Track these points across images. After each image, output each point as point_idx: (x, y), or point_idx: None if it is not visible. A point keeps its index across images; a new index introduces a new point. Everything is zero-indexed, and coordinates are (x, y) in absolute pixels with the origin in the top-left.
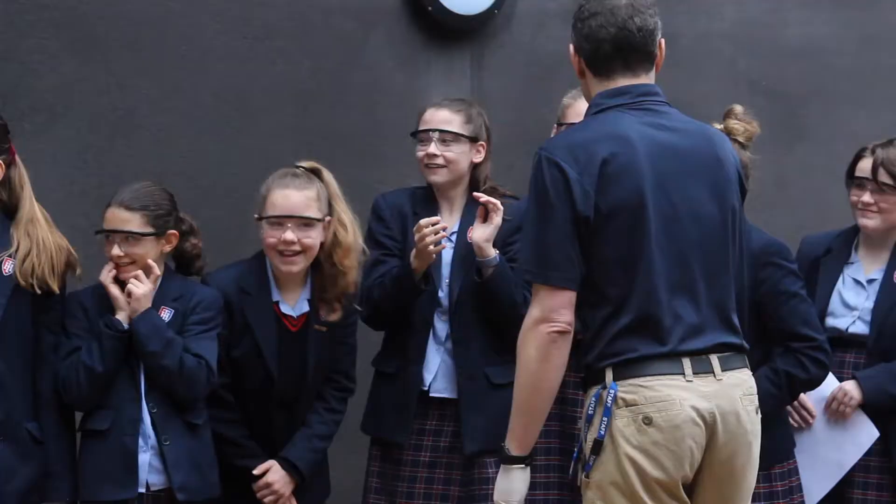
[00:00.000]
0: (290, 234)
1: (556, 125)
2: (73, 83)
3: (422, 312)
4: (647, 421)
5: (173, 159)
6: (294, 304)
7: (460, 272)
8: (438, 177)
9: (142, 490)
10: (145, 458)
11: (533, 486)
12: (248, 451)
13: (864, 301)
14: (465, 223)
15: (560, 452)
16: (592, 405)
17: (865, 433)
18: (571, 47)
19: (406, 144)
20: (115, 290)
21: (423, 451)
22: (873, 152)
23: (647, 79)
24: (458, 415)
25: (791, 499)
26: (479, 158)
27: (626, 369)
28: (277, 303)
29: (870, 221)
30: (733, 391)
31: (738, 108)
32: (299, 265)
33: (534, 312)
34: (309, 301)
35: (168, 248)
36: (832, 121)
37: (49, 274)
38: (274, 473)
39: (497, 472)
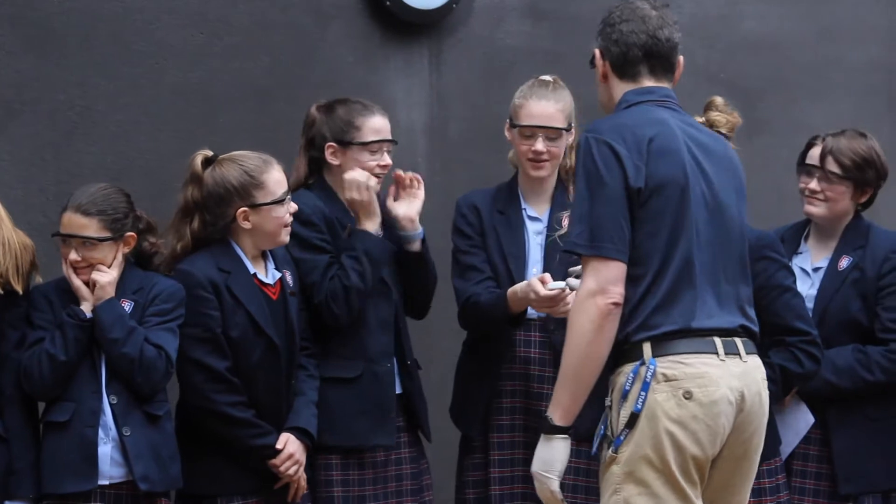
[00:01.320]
0: (289, 210)
1: (508, 124)
2: (30, 80)
3: (380, 314)
4: (688, 395)
5: (131, 156)
6: (267, 274)
7: (408, 277)
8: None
9: (104, 482)
10: (106, 450)
11: (500, 480)
12: (262, 430)
13: (808, 289)
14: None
15: (525, 446)
16: (630, 380)
17: (803, 421)
18: (597, 52)
19: None
20: (77, 281)
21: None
22: (824, 140)
23: (669, 86)
24: (407, 407)
25: (778, 496)
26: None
27: (664, 345)
28: (255, 275)
29: (815, 209)
30: (756, 373)
31: (719, 100)
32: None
33: (589, 284)
34: (276, 269)
35: (126, 250)
36: (790, 113)
37: (13, 275)
38: (292, 444)
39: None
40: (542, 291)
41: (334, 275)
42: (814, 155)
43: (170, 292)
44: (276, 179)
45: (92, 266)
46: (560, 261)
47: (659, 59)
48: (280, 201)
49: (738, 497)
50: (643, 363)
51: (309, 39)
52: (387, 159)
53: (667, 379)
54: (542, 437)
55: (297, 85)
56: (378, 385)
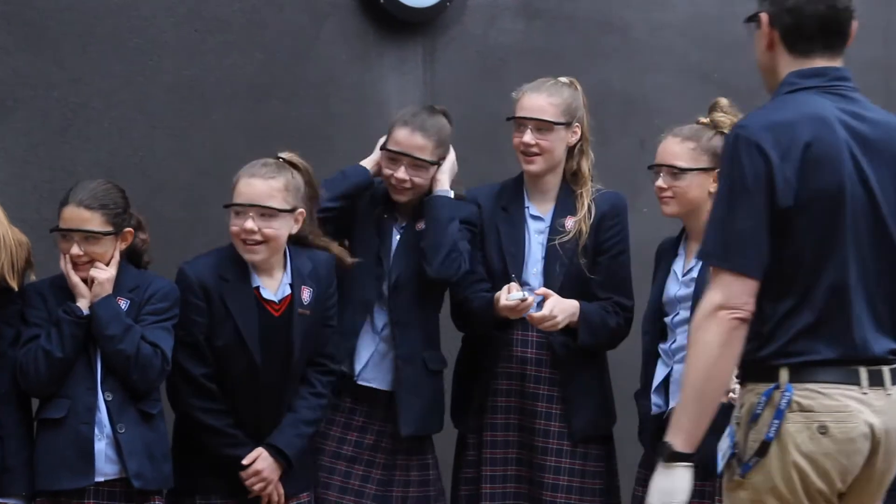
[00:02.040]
0: (250, 224)
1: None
2: (25, 77)
3: (364, 296)
4: (823, 430)
5: (125, 153)
6: (276, 290)
7: (403, 258)
8: (535, 165)
9: (99, 479)
10: (101, 446)
11: (492, 479)
12: (233, 440)
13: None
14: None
15: (519, 446)
16: (761, 404)
17: None
18: (765, 17)
19: (360, 136)
20: (76, 277)
21: (346, 445)
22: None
23: (841, 62)
24: (386, 408)
25: None
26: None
27: (804, 372)
28: (258, 288)
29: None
30: None
31: (724, 101)
32: (261, 255)
33: (714, 298)
34: (290, 285)
35: (124, 246)
36: None
37: (9, 271)
38: (262, 461)
39: (419, 476)
40: (501, 301)
41: None
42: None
43: (165, 292)
44: (242, 185)
45: (91, 262)
46: (560, 265)
47: (836, 31)
48: (231, 207)
49: None
50: (777, 387)
51: (303, 37)
52: (400, 172)
53: (802, 409)
54: (661, 465)
55: (292, 82)
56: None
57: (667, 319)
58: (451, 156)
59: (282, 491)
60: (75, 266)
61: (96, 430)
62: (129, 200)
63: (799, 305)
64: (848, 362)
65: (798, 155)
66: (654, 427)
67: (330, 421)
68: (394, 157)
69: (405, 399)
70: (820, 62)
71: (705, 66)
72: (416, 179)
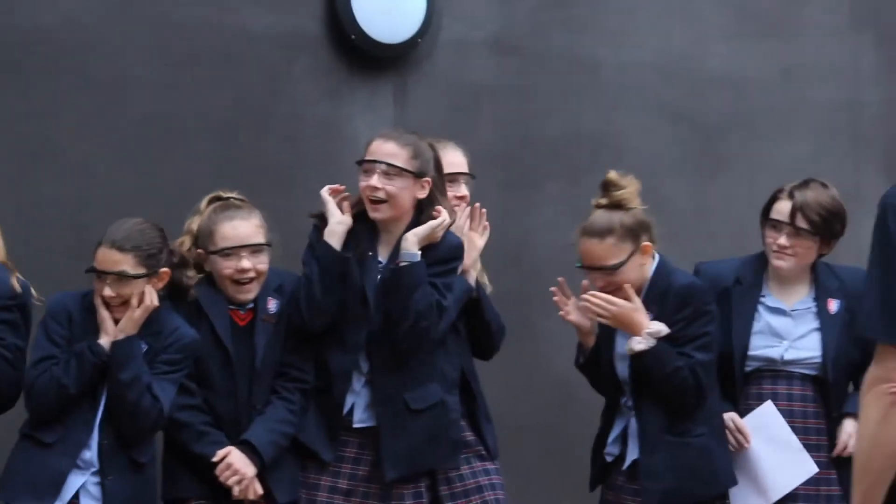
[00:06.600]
0: (245, 263)
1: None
2: None
3: (353, 339)
4: None
5: (92, 188)
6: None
7: (383, 302)
8: (379, 213)
9: None
10: (81, 479)
11: None
12: (207, 437)
13: (792, 328)
14: (395, 256)
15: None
16: None
17: (806, 466)
18: None
19: (330, 172)
20: (105, 312)
21: (342, 478)
22: (790, 195)
23: None
24: (377, 442)
25: None
26: (423, 194)
27: None
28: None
29: (784, 263)
30: None
31: (612, 175)
32: (254, 292)
33: (874, 371)
34: (256, 298)
35: (160, 286)
36: (754, 151)
37: None
38: (233, 455)
39: (415, 503)
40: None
41: None
42: (781, 209)
43: (183, 343)
44: (227, 229)
45: (125, 303)
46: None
47: None
48: (219, 252)
49: None
50: None
51: (274, 73)
52: (373, 180)
53: None
54: None
55: (262, 119)
56: (329, 401)
57: (620, 375)
58: (436, 222)
59: (260, 490)
60: (108, 306)
61: (80, 463)
62: (167, 239)
63: None
64: None
65: None
66: (598, 470)
67: (333, 452)
68: (367, 167)
69: (386, 442)
70: None
71: (676, 104)
72: (389, 188)
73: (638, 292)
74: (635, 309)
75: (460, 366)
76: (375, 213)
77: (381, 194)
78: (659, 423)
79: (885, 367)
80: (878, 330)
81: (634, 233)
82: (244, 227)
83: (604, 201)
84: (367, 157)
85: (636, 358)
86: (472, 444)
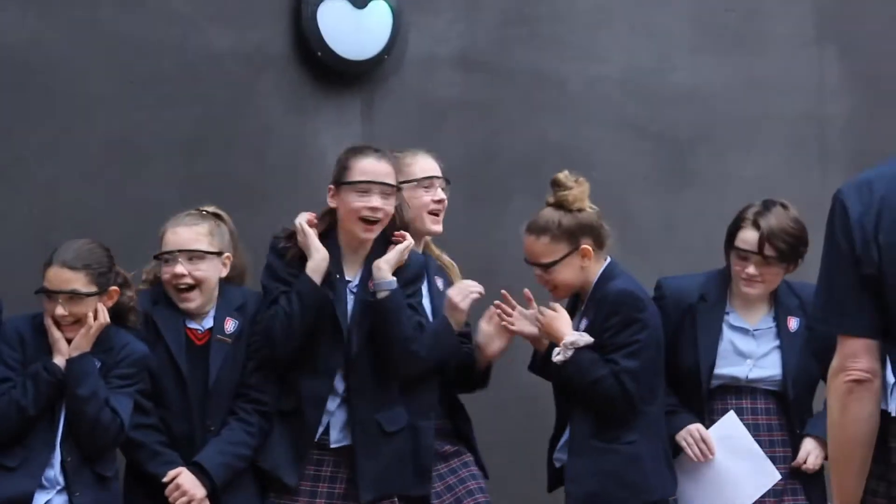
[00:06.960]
0: (179, 268)
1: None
2: None
3: (328, 364)
4: None
5: (59, 208)
6: (201, 322)
7: (359, 324)
8: (372, 234)
9: None
10: (46, 497)
11: None
12: (161, 457)
13: (755, 348)
14: (365, 277)
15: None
16: None
17: (769, 473)
18: None
19: (297, 189)
20: (57, 333)
21: (318, 497)
22: (755, 223)
23: None
24: (352, 462)
25: None
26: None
27: None
28: (185, 319)
29: (754, 291)
30: None
31: (560, 176)
32: (196, 302)
33: (834, 361)
34: (214, 317)
35: (109, 304)
36: (720, 165)
37: None
38: (182, 477)
39: None
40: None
41: None
42: (748, 240)
43: (135, 358)
44: (168, 234)
45: (77, 322)
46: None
47: None
48: (160, 257)
49: None
50: None
51: (240, 90)
52: (374, 201)
53: None
54: None
55: (229, 136)
56: (302, 426)
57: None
58: (402, 246)
59: None
60: (59, 326)
61: (44, 482)
62: (112, 259)
63: None
64: None
65: (874, 208)
66: (552, 473)
67: (300, 476)
68: (365, 187)
69: (360, 464)
70: None
71: (641, 119)
72: (388, 208)
73: (582, 296)
74: (557, 318)
75: (437, 388)
76: (367, 234)
77: (380, 215)
78: (588, 428)
79: (842, 355)
80: (824, 321)
81: (572, 234)
82: (185, 233)
83: (550, 200)
84: (367, 179)
85: (557, 368)
86: (462, 453)
